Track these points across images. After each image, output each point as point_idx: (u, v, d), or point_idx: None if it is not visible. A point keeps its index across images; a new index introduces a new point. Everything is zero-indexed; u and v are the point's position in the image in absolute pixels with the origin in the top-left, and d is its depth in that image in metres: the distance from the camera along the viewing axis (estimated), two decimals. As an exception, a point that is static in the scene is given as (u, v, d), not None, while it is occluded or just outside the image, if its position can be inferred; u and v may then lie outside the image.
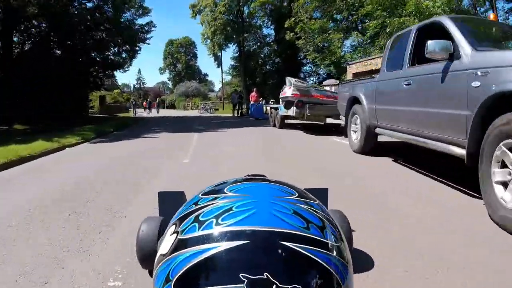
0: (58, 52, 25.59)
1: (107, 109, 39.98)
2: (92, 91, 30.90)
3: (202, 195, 1.05)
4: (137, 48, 31.19)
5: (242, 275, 0.74)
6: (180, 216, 0.99)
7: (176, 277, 0.82)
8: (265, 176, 1.21)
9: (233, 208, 0.89)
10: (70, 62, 23.92)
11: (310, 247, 0.80)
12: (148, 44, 31.35)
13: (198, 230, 0.86)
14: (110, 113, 39.03)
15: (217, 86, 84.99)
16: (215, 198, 0.97)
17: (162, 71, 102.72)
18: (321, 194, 2.24)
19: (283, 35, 41.56)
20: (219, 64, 47.72)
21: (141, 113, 44.18)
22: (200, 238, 0.84)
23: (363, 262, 2.59)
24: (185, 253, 0.83)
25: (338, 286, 0.81)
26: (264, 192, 1.00)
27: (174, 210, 1.14)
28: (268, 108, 19.70)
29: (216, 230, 0.84)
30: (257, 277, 0.73)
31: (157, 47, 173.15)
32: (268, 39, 46.88)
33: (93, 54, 27.83)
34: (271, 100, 27.08)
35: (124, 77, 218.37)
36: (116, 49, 29.58)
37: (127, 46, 29.76)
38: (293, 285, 0.73)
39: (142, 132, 15.54)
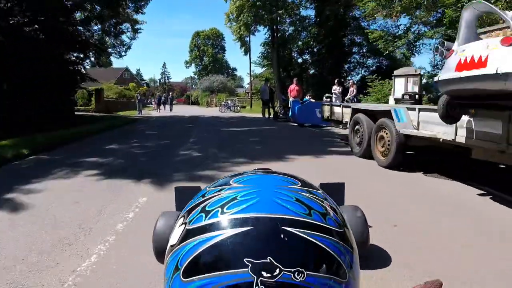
0: None
1: (106, 106, 31.93)
2: (71, 81, 22.29)
3: (209, 188, 1.01)
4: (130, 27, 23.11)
5: (246, 260, 0.74)
6: (188, 208, 0.95)
7: (184, 266, 0.81)
8: (270, 169, 1.10)
9: (238, 198, 0.88)
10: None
11: (312, 232, 0.79)
12: (143, 12, 23.16)
13: (205, 219, 0.85)
14: (109, 110, 31.33)
15: (247, 81, 77.90)
16: (221, 190, 0.94)
17: (188, 65, 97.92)
18: (337, 188, 2.38)
19: (325, 18, 33.02)
20: (246, 51, 38.87)
21: (152, 110, 36.18)
22: (206, 227, 0.83)
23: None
24: (192, 241, 0.82)
25: (340, 269, 0.80)
26: (268, 182, 0.97)
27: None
28: (342, 110, 10.30)
29: (221, 219, 0.83)
30: (260, 261, 0.73)
31: (187, 41, 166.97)
32: (307, 21, 37.86)
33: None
34: (326, 95, 18.23)
35: (150, 71, 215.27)
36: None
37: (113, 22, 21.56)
38: (296, 268, 0.72)
39: (62, 164, 7.77)
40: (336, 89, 18.67)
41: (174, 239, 0.89)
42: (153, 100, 45.77)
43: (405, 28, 23.05)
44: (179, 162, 7.29)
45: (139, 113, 29.94)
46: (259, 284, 0.71)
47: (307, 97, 15.61)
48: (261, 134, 12.41)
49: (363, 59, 40.20)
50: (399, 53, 22.93)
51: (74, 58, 23.07)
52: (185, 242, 0.83)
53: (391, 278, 2.83)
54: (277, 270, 0.71)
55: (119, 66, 75.17)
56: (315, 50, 38.61)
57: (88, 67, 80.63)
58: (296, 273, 0.72)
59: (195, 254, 0.79)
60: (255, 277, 0.71)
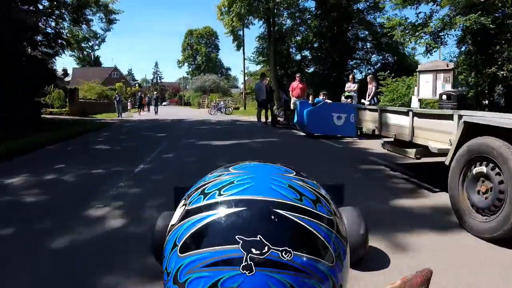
0: None
1: (82, 108, 28.18)
2: (38, 81, 18.61)
3: (210, 174, 1.05)
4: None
5: (237, 237, 0.78)
6: (189, 192, 1.00)
7: (181, 242, 0.86)
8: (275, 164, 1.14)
9: (235, 182, 0.93)
10: None
11: (301, 215, 0.84)
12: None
13: (203, 200, 0.91)
14: (86, 113, 27.71)
15: (241, 81, 74.21)
16: (220, 175, 1.00)
17: (180, 64, 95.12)
18: (337, 190, 2.37)
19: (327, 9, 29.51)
20: (239, 46, 35.07)
21: (135, 112, 32.31)
22: (203, 207, 0.89)
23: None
24: (190, 220, 0.88)
25: (326, 252, 0.83)
26: (264, 170, 1.03)
27: None
28: (411, 123, 5.62)
29: (217, 199, 0.89)
30: (251, 239, 0.78)
31: (180, 41, 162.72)
32: (307, 15, 34.17)
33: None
34: (345, 95, 14.44)
35: (143, 71, 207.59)
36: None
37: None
38: (284, 248, 0.77)
39: None
40: (351, 87, 15.02)
41: (174, 219, 0.93)
42: (129, 100, 41.05)
43: (429, 14, 19.37)
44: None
45: (119, 116, 26.19)
46: (248, 260, 0.74)
47: (320, 97, 11.59)
48: (256, 153, 8.83)
49: (368, 55, 36.64)
50: (423, 43, 19.18)
51: (40, 54, 20.25)
52: (184, 221, 0.87)
53: None
54: (266, 248, 0.75)
55: (109, 65, 72.65)
56: (315, 45, 34.88)
57: (77, 66, 76.86)
58: (284, 252, 0.75)
59: (191, 231, 0.83)
60: (245, 253, 0.74)
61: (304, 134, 11.76)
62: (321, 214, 0.85)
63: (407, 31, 19.73)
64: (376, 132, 6.71)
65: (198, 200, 0.89)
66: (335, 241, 0.84)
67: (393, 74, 20.83)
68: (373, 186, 5.47)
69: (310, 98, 16.33)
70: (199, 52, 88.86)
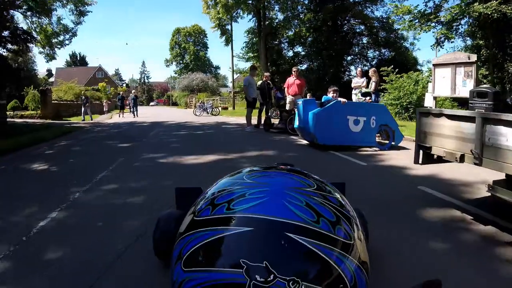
0: None
1: (56, 110, 25.43)
2: None
3: (222, 179, 1.12)
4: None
5: (242, 261, 0.74)
6: (200, 198, 1.06)
7: (186, 256, 0.87)
8: (293, 166, 1.22)
9: (246, 195, 0.92)
10: None
11: (316, 241, 0.78)
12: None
13: (211, 213, 0.91)
14: (59, 115, 25.11)
15: (231, 79, 71.01)
16: (233, 184, 1.01)
17: (168, 63, 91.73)
18: (338, 188, 1.86)
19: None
20: (228, 41, 32.40)
21: (121, 114, 29.33)
22: (210, 221, 0.89)
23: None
24: (196, 233, 0.88)
25: (341, 283, 0.76)
26: (281, 182, 1.00)
27: (190, 204, 1.23)
28: None
29: (225, 215, 0.88)
30: (256, 264, 0.73)
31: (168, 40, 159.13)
32: (300, 8, 31.78)
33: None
34: (362, 91, 11.88)
35: (130, 71, 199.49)
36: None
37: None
38: (292, 277, 0.70)
39: None
40: (359, 82, 12.58)
41: (182, 227, 0.97)
42: (105, 101, 37.66)
43: (438, 3, 16.97)
44: None
45: (83, 119, 22.77)
46: (251, 287, 0.67)
47: (330, 95, 8.78)
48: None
49: (364, 51, 34.60)
50: (438, 33, 16.81)
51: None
52: (189, 233, 0.88)
53: None
54: (272, 276, 0.70)
55: (94, 65, 70.30)
56: (309, 40, 32.57)
57: (63, 66, 74.13)
58: (291, 282, 0.70)
59: (196, 247, 0.82)
60: (248, 279, 0.70)
61: (305, 142, 9.19)
62: (339, 238, 0.79)
63: (416, 21, 17.34)
64: (473, 161, 3.45)
65: (206, 211, 0.90)
66: (352, 270, 0.77)
67: (397, 70, 18.53)
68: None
69: (308, 97, 13.87)
70: (187, 51, 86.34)
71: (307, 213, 0.83)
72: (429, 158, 4.15)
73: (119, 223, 3.53)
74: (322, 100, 8.55)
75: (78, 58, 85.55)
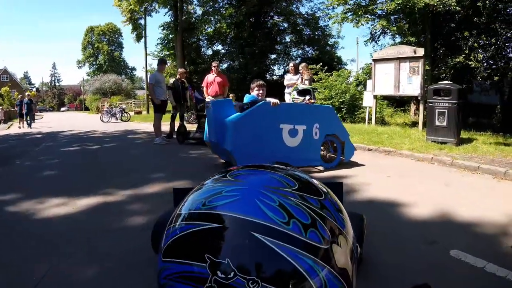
0: None
1: None
2: None
3: (214, 175, 1.10)
4: None
5: (206, 256, 0.76)
6: (189, 194, 1.05)
7: (165, 247, 0.90)
8: (288, 164, 1.23)
9: (223, 192, 0.92)
10: None
11: (281, 243, 0.77)
12: None
13: (189, 208, 0.94)
14: None
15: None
16: (216, 181, 1.02)
17: (80, 65, 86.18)
18: (335, 189, 1.94)
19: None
20: (139, 37, 28.93)
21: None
22: (186, 216, 0.91)
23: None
24: (174, 226, 0.91)
25: None
26: (259, 180, 0.98)
27: None
28: None
29: (199, 210, 0.89)
30: (218, 260, 0.74)
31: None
32: (220, 2, 29.32)
33: None
34: (300, 85, 9.09)
35: (39, 74, 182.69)
36: None
37: None
38: (252, 277, 0.71)
39: None
40: (293, 79, 10.28)
41: (170, 220, 0.97)
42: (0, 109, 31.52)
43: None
44: None
45: None
46: (212, 282, 0.70)
47: (254, 93, 5.25)
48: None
49: (287, 49, 33.11)
50: (379, 24, 14.98)
51: None
52: (170, 226, 0.91)
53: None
54: (232, 274, 0.70)
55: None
56: (229, 37, 30.26)
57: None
58: (251, 281, 0.69)
59: (172, 239, 0.85)
60: (210, 274, 0.71)
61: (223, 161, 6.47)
62: (311, 242, 0.76)
63: (350, 14, 15.42)
64: None
65: (186, 206, 0.91)
66: (322, 276, 0.73)
67: (326, 67, 16.80)
68: None
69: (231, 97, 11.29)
70: (101, 51, 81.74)
71: (278, 213, 0.79)
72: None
73: None
74: (245, 101, 5.88)
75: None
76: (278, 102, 5.82)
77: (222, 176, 1.03)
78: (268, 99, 5.84)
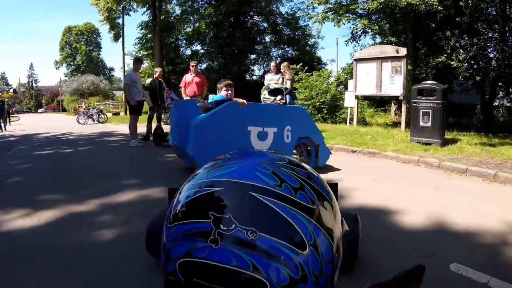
0: None
1: None
2: None
3: (216, 158, 1.11)
4: None
5: (210, 213, 0.83)
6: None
7: (171, 214, 0.92)
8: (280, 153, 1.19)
9: (223, 165, 0.98)
10: None
11: (275, 200, 0.85)
12: None
13: (193, 179, 0.97)
14: None
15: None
16: (217, 160, 1.06)
17: (58, 65, 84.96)
18: (331, 188, 1.51)
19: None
20: (117, 37, 28.32)
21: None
22: (191, 186, 0.95)
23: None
24: (179, 196, 0.95)
25: (297, 239, 0.83)
26: (256, 156, 1.06)
27: None
28: None
29: (203, 180, 0.95)
30: (221, 216, 0.81)
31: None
32: (200, 2, 28.85)
33: None
34: (271, 84, 8.76)
35: (17, 76, 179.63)
36: None
37: None
38: (250, 227, 0.79)
39: None
40: (274, 79, 10.01)
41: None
42: None
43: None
44: None
45: None
46: (216, 235, 0.78)
47: (221, 92, 4.90)
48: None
49: (267, 49, 32.82)
50: (361, 24, 14.80)
51: None
52: (175, 198, 0.95)
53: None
54: (233, 226, 0.78)
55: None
56: (208, 37, 29.86)
57: None
58: (250, 231, 0.77)
59: (178, 206, 0.90)
60: (214, 228, 0.78)
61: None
62: (300, 201, 0.85)
63: (331, 13, 15.23)
64: None
65: (191, 180, 0.96)
66: (311, 230, 0.82)
67: (306, 67, 16.61)
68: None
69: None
70: (79, 51, 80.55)
71: (271, 178, 0.87)
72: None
73: None
74: (209, 100, 5.56)
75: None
76: (246, 102, 5.52)
77: (225, 157, 1.07)
78: (235, 99, 5.53)
